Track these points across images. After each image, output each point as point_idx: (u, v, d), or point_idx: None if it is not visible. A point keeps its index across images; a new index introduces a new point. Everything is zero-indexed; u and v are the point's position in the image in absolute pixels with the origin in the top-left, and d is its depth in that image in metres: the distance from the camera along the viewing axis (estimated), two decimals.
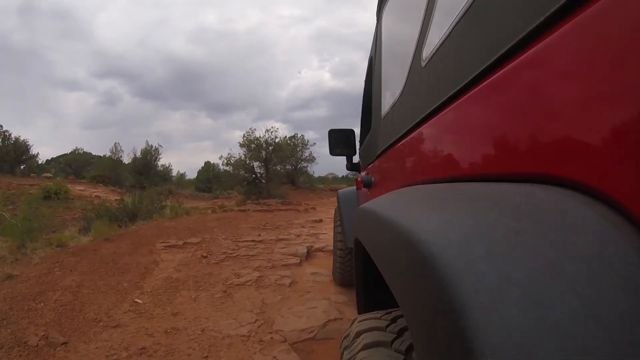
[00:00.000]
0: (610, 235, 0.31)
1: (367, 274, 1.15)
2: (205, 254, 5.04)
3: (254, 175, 16.69)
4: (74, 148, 33.22)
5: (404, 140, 1.12)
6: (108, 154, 24.27)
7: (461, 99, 0.67)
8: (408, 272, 0.47)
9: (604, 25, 0.34)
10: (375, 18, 1.86)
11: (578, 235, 0.32)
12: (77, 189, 18.16)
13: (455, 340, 0.31)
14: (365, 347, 0.75)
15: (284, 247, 5.54)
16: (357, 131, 2.91)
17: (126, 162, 23.45)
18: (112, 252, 5.13)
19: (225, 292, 3.64)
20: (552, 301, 0.28)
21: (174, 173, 28.15)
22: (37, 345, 2.70)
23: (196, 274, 4.19)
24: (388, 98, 1.42)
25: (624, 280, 0.28)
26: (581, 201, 0.35)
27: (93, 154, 33.65)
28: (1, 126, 23.35)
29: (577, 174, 0.37)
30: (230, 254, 5.11)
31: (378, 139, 1.67)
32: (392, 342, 0.73)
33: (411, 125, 1.00)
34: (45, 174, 24.31)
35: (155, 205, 9.61)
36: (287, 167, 20.53)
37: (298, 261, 4.76)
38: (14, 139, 25.12)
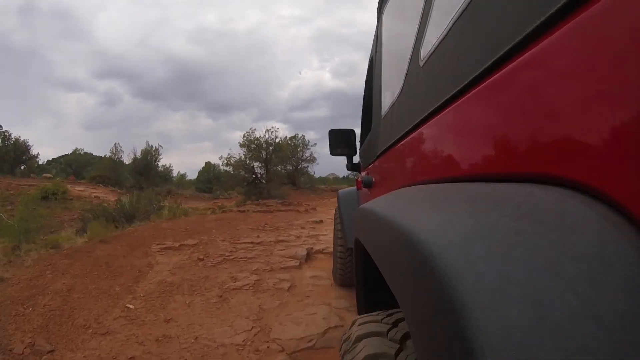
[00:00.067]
0: (610, 235, 0.31)
1: (367, 274, 1.15)
2: (202, 257, 4.89)
3: (254, 176, 16.57)
4: (75, 148, 33.18)
5: (404, 140, 1.12)
6: (108, 154, 24.20)
7: (460, 99, 0.66)
8: (408, 272, 0.47)
9: (603, 25, 0.34)
10: (376, 18, 1.85)
11: (578, 235, 0.32)
12: (77, 189, 18.11)
13: (455, 340, 0.31)
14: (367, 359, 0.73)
15: (284, 249, 5.39)
16: (358, 131, 2.91)
17: (126, 163, 23.38)
18: (106, 254, 4.99)
19: (221, 296, 3.49)
20: (552, 301, 0.28)
21: (175, 173, 28.13)
22: (23, 353, 2.58)
23: (191, 278, 4.04)
24: (388, 98, 1.42)
25: (624, 280, 0.28)
26: (581, 201, 0.35)
27: (94, 154, 33.64)
28: (1, 126, 23.23)
29: (577, 174, 0.37)
30: (228, 256, 4.96)
31: (378, 139, 1.67)
32: (396, 354, 0.71)
33: (411, 126, 1.00)
34: (45, 175, 24.29)
35: (154, 205, 9.48)
36: (288, 167, 20.38)
37: (297, 264, 4.61)
38: (14, 139, 25.13)
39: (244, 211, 10.29)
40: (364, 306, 1.22)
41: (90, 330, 2.89)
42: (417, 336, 0.43)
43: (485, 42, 0.57)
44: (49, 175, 24.57)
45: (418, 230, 0.47)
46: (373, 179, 1.84)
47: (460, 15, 0.65)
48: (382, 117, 1.52)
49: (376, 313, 0.90)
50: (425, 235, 0.44)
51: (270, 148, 16.78)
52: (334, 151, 2.82)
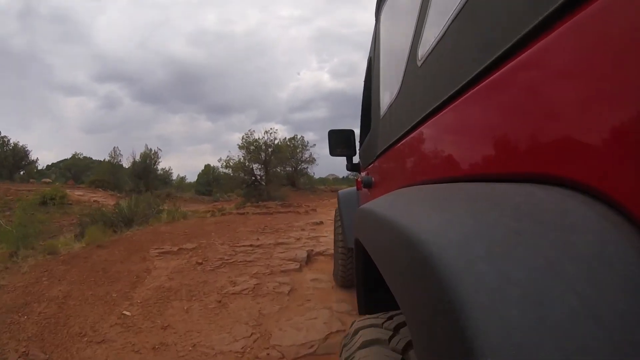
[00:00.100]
0: (610, 235, 0.31)
1: (367, 274, 1.14)
2: (200, 261, 4.81)
3: (253, 178, 16.49)
4: (74, 153, 33.10)
5: (403, 140, 1.11)
6: (107, 158, 24.14)
7: (459, 99, 0.66)
8: (408, 272, 0.47)
9: (602, 25, 0.34)
10: (374, 18, 1.84)
11: (578, 235, 0.32)
12: (76, 193, 18.07)
13: (455, 340, 0.31)
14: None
15: (283, 252, 5.31)
16: (357, 132, 2.90)
17: (126, 167, 23.34)
18: (103, 260, 4.92)
19: (219, 302, 3.42)
20: (552, 301, 0.28)
21: (174, 176, 28.11)
22: None
23: (190, 283, 3.97)
24: (386, 98, 1.42)
25: (624, 280, 0.28)
26: (581, 201, 0.35)
27: (93, 158, 33.61)
28: None
29: (577, 174, 0.37)
30: (227, 260, 4.88)
31: (377, 139, 1.66)
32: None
33: (409, 126, 1.00)
34: (44, 179, 24.28)
35: (152, 209, 9.41)
36: (287, 168, 20.28)
37: (298, 266, 4.53)
38: (12, 144, 25.13)
39: (243, 213, 10.20)
40: (365, 306, 1.23)
41: (86, 339, 2.83)
42: (417, 336, 0.43)
43: (483, 41, 0.57)
44: (48, 180, 24.58)
45: (418, 230, 0.47)
46: (373, 179, 1.83)
47: (458, 14, 0.65)
48: (381, 117, 1.52)
49: (376, 316, 0.89)
50: (425, 235, 0.44)
51: (270, 149, 16.70)
52: (333, 152, 2.81)
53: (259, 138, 16.60)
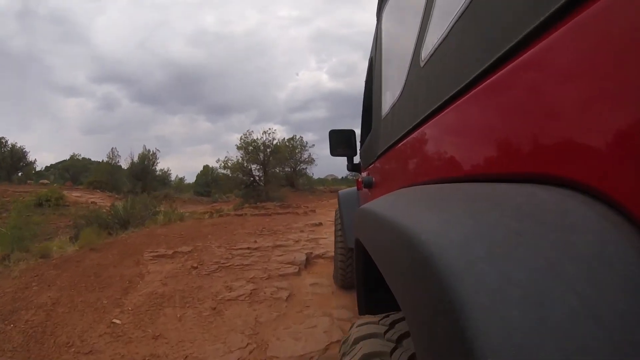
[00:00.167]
0: (610, 235, 0.31)
1: (367, 274, 1.14)
2: (195, 265, 4.65)
3: (251, 178, 16.32)
4: (72, 154, 32.95)
5: (404, 140, 1.12)
6: (105, 159, 24.04)
7: (461, 99, 0.66)
8: (409, 272, 0.47)
9: (603, 25, 0.34)
10: (376, 18, 1.84)
11: (578, 236, 0.32)
12: (74, 195, 17.99)
13: (455, 340, 0.31)
14: None
15: (282, 255, 5.15)
16: (358, 132, 2.91)
17: (124, 167, 23.24)
18: (95, 264, 4.77)
19: (214, 309, 3.26)
20: (553, 301, 0.28)
21: (173, 177, 27.99)
22: None
23: (184, 288, 3.81)
24: (388, 98, 1.43)
25: (624, 280, 0.28)
26: (581, 201, 0.35)
27: (92, 159, 33.48)
28: None
29: (577, 174, 0.37)
30: (223, 263, 4.72)
31: (378, 139, 1.66)
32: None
33: (411, 126, 1.00)
34: (42, 181, 24.22)
35: (149, 211, 9.25)
36: (286, 169, 20.13)
37: (296, 270, 4.38)
38: (10, 145, 25.05)
39: (241, 215, 10.03)
40: (365, 306, 1.22)
41: (73, 349, 2.68)
42: (417, 336, 0.43)
43: (486, 42, 0.57)
44: (46, 181, 24.52)
45: (418, 231, 0.47)
46: (373, 179, 1.82)
47: (461, 15, 0.65)
48: (383, 117, 1.52)
49: (376, 321, 0.88)
50: (426, 235, 0.44)
51: (268, 150, 16.52)
52: (334, 152, 2.80)
53: (257, 138, 16.44)
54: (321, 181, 29.54)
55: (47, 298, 3.65)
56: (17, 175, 25.69)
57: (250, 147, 16.18)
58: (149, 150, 23.20)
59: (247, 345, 2.58)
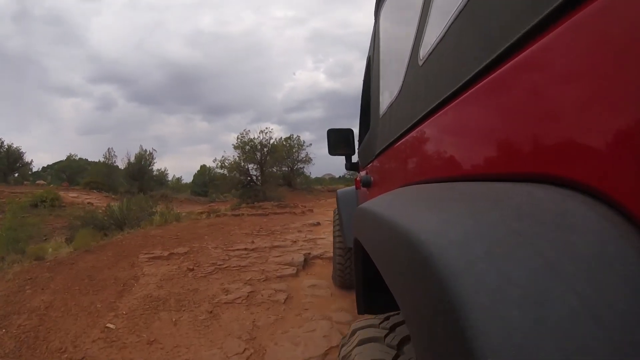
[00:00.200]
0: (610, 235, 0.31)
1: (366, 273, 1.14)
2: (191, 266, 4.57)
3: (249, 178, 16.19)
4: (68, 154, 32.77)
5: (403, 139, 1.11)
6: (102, 159, 23.88)
7: (459, 98, 0.66)
8: (408, 272, 0.47)
9: (602, 24, 0.34)
10: (374, 17, 1.84)
11: (578, 235, 0.32)
12: (70, 195, 17.86)
13: (455, 340, 0.31)
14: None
15: (279, 256, 5.09)
16: (356, 131, 2.89)
17: (121, 168, 23.09)
18: (90, 266, 4.69)
19: (210, 312, 3.20)
20: (553, 301, 0.28)
21: (170, 177, 27.88)
22: None
23: (180, 291, 3.74)
24: (386, 97, 1.43)
25: (624, 280, 0.27)
26: (581, 201, 0.35)
27: (89, 160, 33.29)
28: None
29: (577, 174, 0.37)
30: (220, 265, 4.65)
31: (376, 138, 1.67)
32: None
33: (409, 125, 1.00)
34: (38, 182, 24.07)
35: (145, 211, 9.16)
36: (283, 168, 20.00)
37: (294, 271, 4.31)
38: (6, 146, 24.91)
39: (238, 215, 9.95)
40: (363, 306, 1.23)
41: (66, 355, 2.62)
42: (417, 337, 0.43)
43: (484, 41, 0.57)
44: (42, 182, 24.38)
45: (418, 230, 0.46)
46: (372, 178, 1.82)
47: (460, 13, 0.65)
48: (381, 116, 1.52)
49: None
50: (425, 235, 0.44)
51: (265, 149, 16.37)
52: (332, 151, 2.78)
53: (254, 138, 16.29)
54: (319, 180, 29.52)
55: (40, 302, 3.58)
56: (14, 176, 25.55)
57: (247, 147, 16.02)
58: (145, 150, 23.07)
59: (245, 350, 2.52)
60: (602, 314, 0.26)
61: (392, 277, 0.56)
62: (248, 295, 3.55)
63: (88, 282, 4.10)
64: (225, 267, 4.59)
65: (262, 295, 3.55)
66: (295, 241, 6.22)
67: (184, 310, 3.27)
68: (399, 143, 1.18)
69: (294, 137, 21.47)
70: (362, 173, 2.39)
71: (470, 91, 0.62)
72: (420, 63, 0.90)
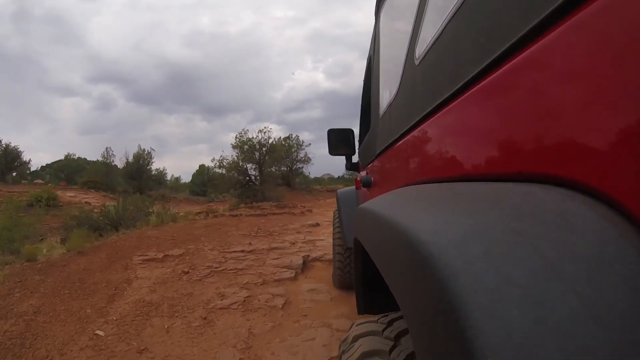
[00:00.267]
0: (610, 235, 0.30)
1: (366, 273, 1.14)
2: (186, 269, 4.43)
3: (247, 178, 16.05)
4: (67, 154, 32.64)
5: (402, 140, 1.12)
6: (100, 159, 23.77)
7: (457, 98, 0.66)
8: (408, 272, 0.47)
9: (601, 24, 0.33)
10: (374, 17, 1.84)
11: (578, 235, 0.32)
12: (68, 195, 17.75)
13: (455, 340, 0.31)
14: None
15: (277, 258, 4.95)
16: (357, 131, 2.90)
17: (119, 167, 22.97)
18: (82, 269, 4.55)
19: (205, 318, 3.06)
20: (552, 301, 0.27)
21: (169, 177, 27.77)
22: None
23: (173, 295, 3.60)
24: (385, 97, 1.43)
25: (624, 280, 0.27)
26: (581, 201, 0.35)
27: (88, 159, 33.19)
28: None
29: (577, 174, 0.37)
30: (216, 267, 4.51)
31: (377, 138, 1.67)
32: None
33: (408, 125, 1.00)
34: (36, 181, 23.98)
35: (141, 211, 9.02)
36: (282, 168, 19.88)
37: (293, 274, 4.18)
38: (4, 145, 24.84)
39: (236, 215, 9.81)
40: (363, 306, 1.23)
41: None
42: (417, 336, 0.42)
43: (480, 40, 0.57)
44: (40, 181, 24.28)
45: (417, 230, 0.46)
46: (372, 178, 1.82)
47: (456, 13, 0.65)
48: (380, 116, 1.52)
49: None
50: (425, 235, 0.43)
51: (264, 149, 16.24)
52: (333, 151, 2.78)
53: (252, 137, 16.15)
54: (318, 180, 29.41)
55: (28, 306, 3.45)
56: (12, 175, 25.47)
57: (246, 146, 15.90)
58: (143, 150, 22.96)
59: None
60: (602, 314, 0.25)
61: (392, 277, 0.56)
62: (244, 300, 3.41)
63: (79, 285, 3.96)
64: (222, 270, 4.44)
65: (259, 300, 3.42)
66: (293, 243, 6.09)
67: (177, 316, 3.13)
68: (398, 143, 1.17)
69: (293, 136, 21.34)
70: (363, 173, 2.38)
71: (466, 91, 0.61)
72: (417, 62, 0.90)
